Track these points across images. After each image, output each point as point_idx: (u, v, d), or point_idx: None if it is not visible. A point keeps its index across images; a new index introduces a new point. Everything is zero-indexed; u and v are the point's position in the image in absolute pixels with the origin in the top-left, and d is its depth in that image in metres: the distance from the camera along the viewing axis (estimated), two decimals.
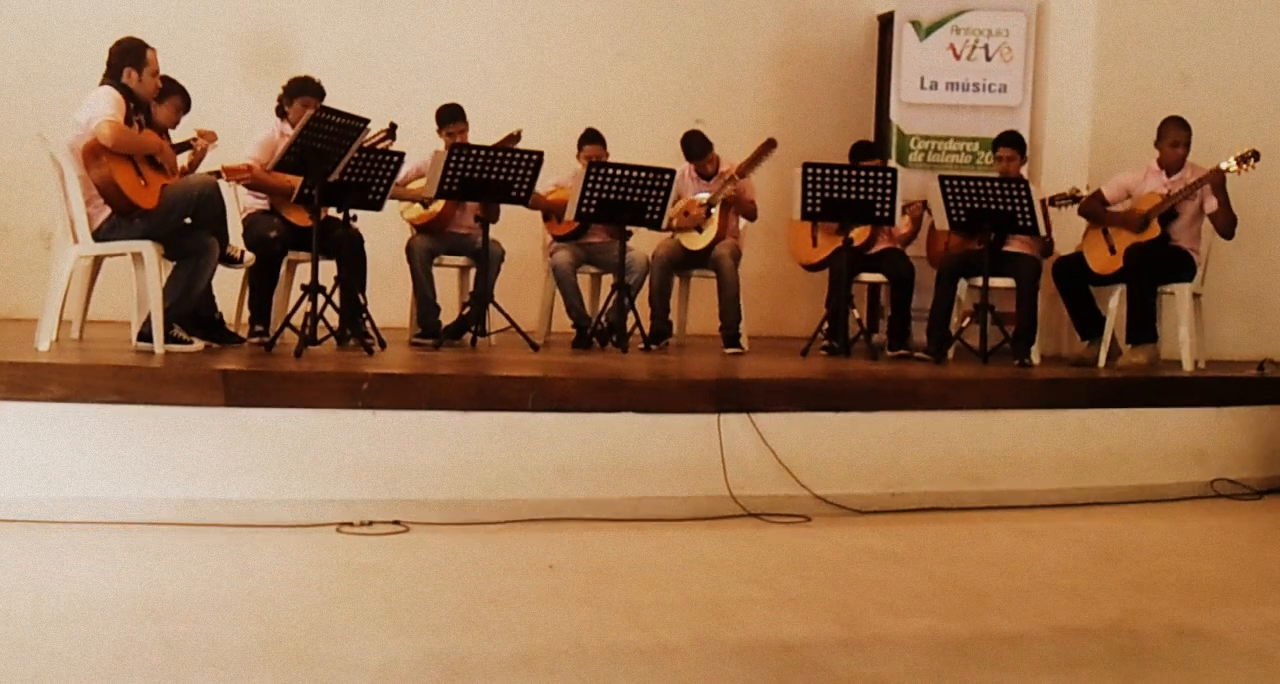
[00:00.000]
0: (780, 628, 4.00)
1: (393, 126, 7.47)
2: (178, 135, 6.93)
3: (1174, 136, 7.60)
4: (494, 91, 9.02)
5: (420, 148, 7.57)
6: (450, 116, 7.76)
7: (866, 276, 8.15)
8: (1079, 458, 6.28)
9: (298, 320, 6.36)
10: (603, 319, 7.83)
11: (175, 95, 6.75)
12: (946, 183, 7.57)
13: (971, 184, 7.53)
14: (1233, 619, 4.28)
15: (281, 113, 7.22)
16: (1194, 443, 6.56)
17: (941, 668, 3.62)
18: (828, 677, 3.49)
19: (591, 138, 8.21)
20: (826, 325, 7.88)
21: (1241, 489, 6.53)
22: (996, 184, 7.53)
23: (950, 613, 4.23)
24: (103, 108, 5.86)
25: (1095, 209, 7.77)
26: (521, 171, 7.26)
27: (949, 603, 4.39)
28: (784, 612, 4.22)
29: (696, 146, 8.16)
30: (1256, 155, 7.27)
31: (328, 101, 6.85)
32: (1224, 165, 7.31)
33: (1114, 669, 3.73)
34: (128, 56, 6.09)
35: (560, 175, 8.09)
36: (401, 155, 7.12)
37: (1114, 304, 7.62)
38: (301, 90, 7.12)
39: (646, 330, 7.85)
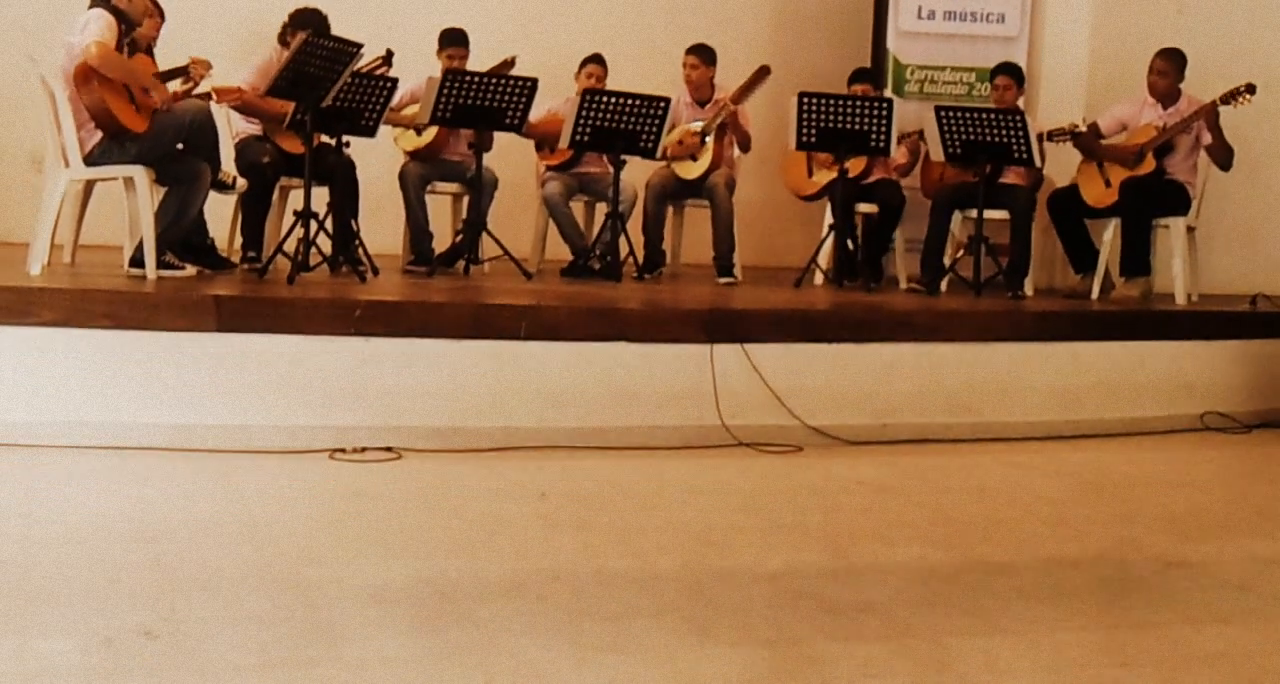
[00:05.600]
0: (770, 555, 4.03)
1: (389, 53, 7.40)
2: (167, 61, 6.84)
3: (1157, 66, 7.60)
4: (487, 17, 8.91)
5: (414, 74, 7.50)
6: (452, 40, 7.69)
7: (862, 207, 8.12)
8: (1070, 390, 6.30)
9: (290, 246, 6.34)
10: (596, 248, 7.80)
11: (154, 12, 6.70)
12: (942, 113, 7.51)
13: (967, 115, 7.47)
14: (1219, 551, 4.31)
15: (285, 42, 7.14)
16: (1185, 376, 6.57)
17: (929, 596, 3.65)
18: (816, 603, 3.51)
19: (593, 58, 8.12)
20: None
21: (1231, 423, 6.56)
22: (992, 115, 7.47)
23: (939, 542, 4.25)
24: (94, 30, 5.79)
25: (1090, 144, 7.74)
26: (516, 99, 7.20)
27: (938, 532, 4.42)
28: (774, 539, 4.25)
29: (708, 56, 8.11)
30: (1252, 88, 7.22)
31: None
32: (1219, 99, 7.27)
33: (1100, 599, 3.76)
34: None
35: (553, 101, 8.02)
36: (395, 81, 7.06)
37: (1108, 237, 7.60)
38: (305, 24, 7.03)
39: (639, 259, 7.83)
